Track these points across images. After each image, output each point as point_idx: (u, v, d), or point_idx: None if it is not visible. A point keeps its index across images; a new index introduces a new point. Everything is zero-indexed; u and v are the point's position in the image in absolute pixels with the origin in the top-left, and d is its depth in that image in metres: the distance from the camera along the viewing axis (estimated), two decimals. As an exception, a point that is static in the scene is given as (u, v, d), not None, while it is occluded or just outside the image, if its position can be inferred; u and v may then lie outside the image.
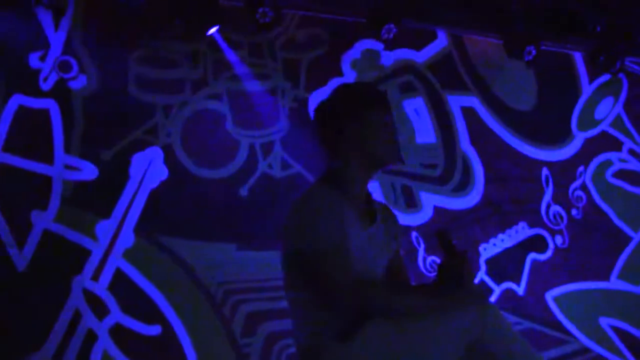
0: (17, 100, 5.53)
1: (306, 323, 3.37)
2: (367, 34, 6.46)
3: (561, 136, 7.36)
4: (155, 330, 5.65)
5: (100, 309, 5.52)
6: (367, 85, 3.65)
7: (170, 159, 5.86)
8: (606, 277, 7.25)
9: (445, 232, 3.45)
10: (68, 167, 5.61)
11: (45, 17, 5.64)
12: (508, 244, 6.89)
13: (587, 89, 7.49)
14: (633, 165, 7.60)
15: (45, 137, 5.60)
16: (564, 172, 7.26)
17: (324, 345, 3.30)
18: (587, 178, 7.35)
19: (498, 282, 6.76)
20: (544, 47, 6.94)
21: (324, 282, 3.24)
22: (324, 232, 3.26)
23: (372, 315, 3.23)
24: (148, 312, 5.65)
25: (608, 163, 7.50)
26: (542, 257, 7.02)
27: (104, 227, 5.63)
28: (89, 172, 5.64)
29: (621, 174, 7.53)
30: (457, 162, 6.84)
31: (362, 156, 3.45)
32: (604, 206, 7.38)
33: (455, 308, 3.14)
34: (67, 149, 5.62)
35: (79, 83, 5.70)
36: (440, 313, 3.15)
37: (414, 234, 6.41)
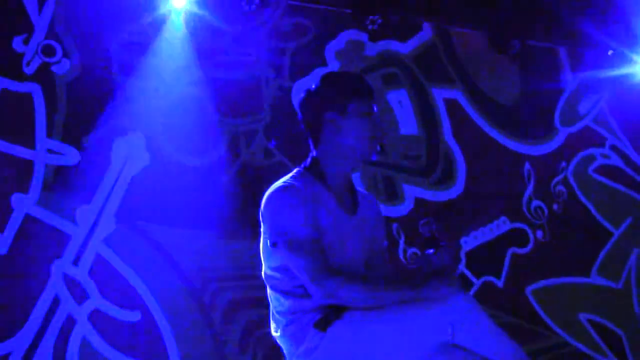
0: (-1, 83, 5.53)
1: (284, 311, 3.40)
2: (352, 24, 6.47)
3: (544, 131, 7.38)
4: (134, 316, 5.64)
5: (79, 294, 5.51)
6: (350, 75, 3.65)
7: (152, 145, 5.85)
8: (586, 272, 7.28)
9: (428, 222, 3.47)
10: (50, 151, 5.59)
11: (30, 1, 5.63)
12: (489, 237, 6.91)
13: (571, 84, 7.51)
14: (615, 161, 7.62)
15: (28, 121, 5.58)
16: (546, 166, 7.28)
17: (302, 334, 3.33)
18: (569, 173, 7.37)
19: (478, 275, 6.78)
20: (528, 41, 6.96)
21: (297, 270, 3.27)
22: (297, 221, 3.29)
23: (345, 304, 3.26)
24: (128, 298, 5.64)
25: (590, 158, 7.53)
26: (523, 251, 7.04)
27: (85, 212, 5.61)
28: (70, 156, 5.63)
29: (603, 170, 7.56)
30: (439, 154, 6.86)
31: (340, 147, 3.47)
32: (585, 201, 7.40)
33: (433, 300, 3.15)
34: (50, 133, 5.60)
35: (62, 67, 5.68)
36: (418, 305, 3.16)
37: (394, 225, 6.43)
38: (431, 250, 3.36)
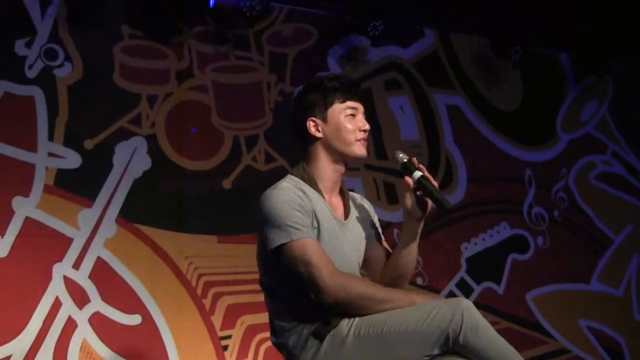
0: (1, 86, 5.51)
1: (283, 319, 3.39)
2: (354, 30, 6.48)
3: (545, 137, 7.39)
4: (135, 320, 5.63)
5: (80, 298, 5.51)
6: (331, 78, 3.60)
7: (153, 149, 5.85)
8: (586, 279, 7.28)
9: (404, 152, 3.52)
10: (51, 154, 5.60)
11: (32, 4, 5.64)
12: (489, 243, 6.91)
13: (572, 91, 7.52)
14: (616, 168, 7.63)
15: (30, 124, 5.59)
16: (547, 173, 7.28)
17: (301, 342, 3.33)
18: (570, 180, 7.37)
19: (478, 281, 6.78)
20: (530, 47, 6.97)
21: (302, 268, 3.25)
22: (296, 217, 3.28)
23: (351, 306, 3.26)
24: (128, 301, 5.63)
25: (591, 165, 7.53)
26: (523, 257, 7.04)
27: (86, 216, 5.61)
28: (72, 160, 5.63)
29: (604, 177, 7.56)
30: (440, 160, 6.86)
31: (326, 151, 3.48)
32: (586, 208, 7.40)
33: (433, 306, 3.14)
34: (51, 137, 5.60)
35: (64, 71, 5.69)
36: (418, 310, 3.15)
37: (395, 231, 6.42)
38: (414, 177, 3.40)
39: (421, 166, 3.44)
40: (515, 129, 7.23)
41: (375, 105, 6.62)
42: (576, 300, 7.19)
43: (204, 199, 5.96)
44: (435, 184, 3.41)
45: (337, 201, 3.55)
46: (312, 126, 3.48)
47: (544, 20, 6.80)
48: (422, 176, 3.40)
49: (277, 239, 3.28)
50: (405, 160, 3.47)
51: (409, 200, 3.45)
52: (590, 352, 7.10)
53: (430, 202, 3.42)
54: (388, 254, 3.67)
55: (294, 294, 3.34)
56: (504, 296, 6.86)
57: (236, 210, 5.92)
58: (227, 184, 6.04)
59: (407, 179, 3.42)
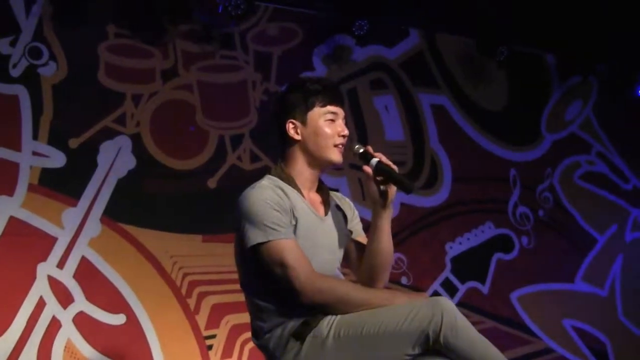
0: (-15, 85, 5.52)
1: (263, 320, 3.38)
2: (340, 29, 6.48)
3: (530, 137, 7.41)
4: (119, 319, 5.62)
5: (64, 297, 5.49)
6: (313, 81, 3.58)
7: (138, 149, 5.84)
8: (570, 279, 7.31)
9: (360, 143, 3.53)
10: (36, 153, 5.58)
11: (16, 2, 5.62)
12: (474, 243, 6.92)
13: (557, 91, 7.54)
14: (601, 168, 7.66)
15: (14, 123, 5.56)
16: (532, 173, 7.31)
17: (281, 343, 3.32)
18: (555, 179, 7.40)
19: (463, 281, 6.79)
20: (516, 48, 6.99)
21: (281, 268, 3.25)
22: (274, 215, 3.28)
23: (329, 308, 3.26)
24: (113, 301, 5.62)
25: (576, 165, 7.55)
26: (508, 257, 7.06)
27: (71, 215, 5.59)
28: (56, 159, 5.61)
29: (588, 177, 7.59)
30: (425, 159, 6.87)
31: (304, 153, 3.49)
32: (571, 208, 7.43)
33: (412, 306, 3.14)
34: (36, 136, 5.58)
35: (48, 70, 5.67)
36: (398, 310, 3.15)
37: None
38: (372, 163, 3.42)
39: (378, 154, 3.46)
40: (500, 128, 7.25)
41: (360, 104, 6.62)
42: (561, 300, 7.21)
43: (188, 198, 5.95)
44: (395, 167, 3.43)
45: (316, 197, 3.56)
46: (292, 128, 3.48)
47: (529, 21, 6.81)
48: (379, 161, 3.43)
49: (254, 237, 3.28)
50: (361, 150, 3.50)
51: (371, 189, 3.47)
52: (574, 351, 7.13)
53: (394, 188, 3.44)
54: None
55: (272, 295, 3.34)
56: (489, 296, 6.88)
57: (221, 209, 5.86)
58: (212, 183, 6.04)
59: (366, 167, 3.44)
